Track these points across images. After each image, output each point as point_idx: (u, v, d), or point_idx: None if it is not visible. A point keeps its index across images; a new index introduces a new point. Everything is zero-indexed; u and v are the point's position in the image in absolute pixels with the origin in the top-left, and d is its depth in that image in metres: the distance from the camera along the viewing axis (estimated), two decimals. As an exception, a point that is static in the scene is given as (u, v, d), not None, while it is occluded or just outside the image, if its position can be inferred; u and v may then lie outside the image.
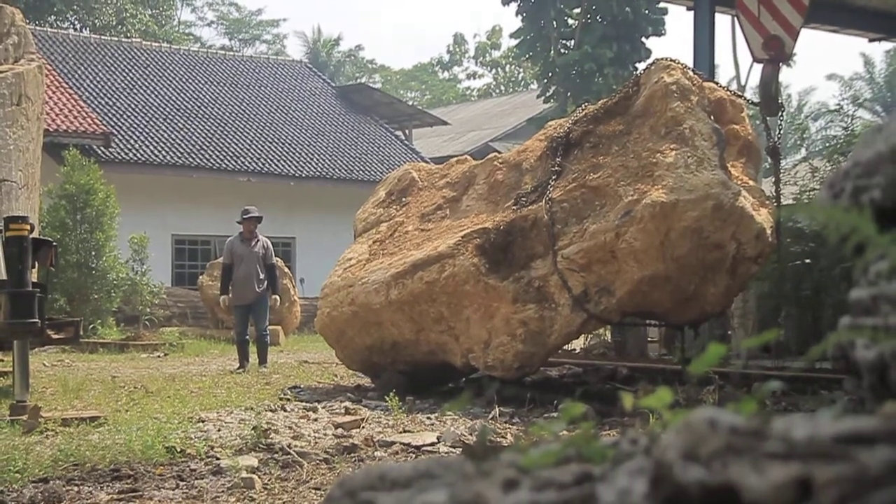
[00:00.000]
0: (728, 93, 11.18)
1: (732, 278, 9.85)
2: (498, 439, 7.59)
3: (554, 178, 10.09)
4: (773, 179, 11.26)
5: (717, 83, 11.35)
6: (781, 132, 11.71)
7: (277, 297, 14.67)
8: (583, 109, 10.88)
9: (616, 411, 8.43)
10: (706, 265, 9.54)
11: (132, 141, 26.42)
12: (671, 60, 10.34)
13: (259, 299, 14.04)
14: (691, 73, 10.36)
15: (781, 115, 11.55)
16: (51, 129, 21.30)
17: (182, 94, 29.84)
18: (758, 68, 11.79)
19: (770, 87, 11.23)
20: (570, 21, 30.06)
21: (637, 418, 7.61)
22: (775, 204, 10.62)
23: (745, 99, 11.80)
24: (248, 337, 14.06)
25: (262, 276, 14.00)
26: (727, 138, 10.17)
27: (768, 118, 11.48)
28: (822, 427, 1.00)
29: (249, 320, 14.07)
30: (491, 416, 8.83)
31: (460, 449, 7.24)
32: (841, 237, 1.37)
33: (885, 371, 1.62)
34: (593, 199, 9.75)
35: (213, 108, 29.75)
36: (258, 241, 14.13)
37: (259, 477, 6.20)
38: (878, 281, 1.69)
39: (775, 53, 11.22)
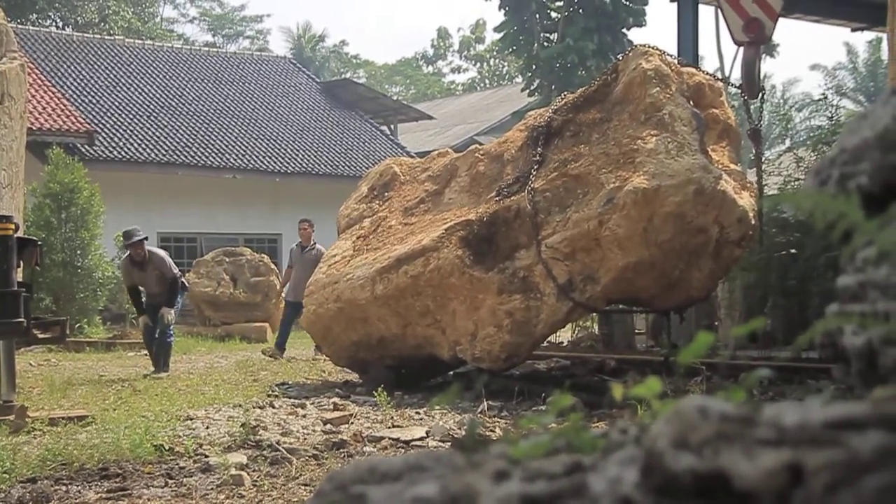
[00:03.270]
0: (706, 77, 11.19)
1: (716, 262, 9.88)
2: (487, 432, 7.59)
3: (535, 167, 10.08)
4: (755, 163, 11.31)
5: (695, 66, 11.34)
6: (763, 115, 11.73)
7: (166, 312, 13.31)
8: (562, 98, 10.88)
9: (604, 403, 8.43)
10: (690, 250, 9.56)
11: (116, 139, 26.34)
12: (648, 47, 10.33)
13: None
14: (669, 59, 10.36)
15: (763, 98, 11.57)
16: (34, 128, 21.19)
17: (166, 92, 29.74)
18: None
19: (752, 70, 11.24)
20: (553, 14, 30.13)
21: (626, 409, 7.62)
22: (757, 189, 10.65)
23: (725, 81, 11.82)
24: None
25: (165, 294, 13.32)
26: (707, 122, 10.18)
27: (749, 101, 11.50)
28: (813, 413, 1.00)
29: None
30: (480, 409, 8.82)
31: (449, 443, 7.24)
32: (828, 224, 1.37)
33: (874, 357, 1.62)
34: (575, 188, 9.74)
35: (197, 105, 29.67)
36: (150, 262, 13.26)
37: (248, 474, 6.19)
38: (865, 267, 1.69)
39: (756, 36, 11.24)
